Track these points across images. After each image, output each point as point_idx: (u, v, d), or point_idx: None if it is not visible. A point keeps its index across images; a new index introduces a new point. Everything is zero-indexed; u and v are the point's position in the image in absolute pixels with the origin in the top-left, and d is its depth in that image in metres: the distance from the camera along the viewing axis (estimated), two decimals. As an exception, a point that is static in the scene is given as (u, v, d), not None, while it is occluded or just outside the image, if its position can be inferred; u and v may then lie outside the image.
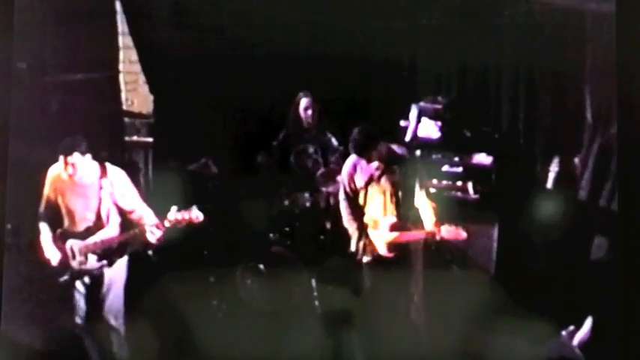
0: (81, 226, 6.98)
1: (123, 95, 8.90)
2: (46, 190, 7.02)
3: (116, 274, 7.00)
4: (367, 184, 7.27)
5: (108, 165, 7.01)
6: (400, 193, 7.20)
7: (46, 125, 7.63)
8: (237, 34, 8.27)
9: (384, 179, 7.23)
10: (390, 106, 8.31)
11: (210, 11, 8.20)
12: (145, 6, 8.56)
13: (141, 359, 7.12)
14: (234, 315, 7.54)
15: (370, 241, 7.24)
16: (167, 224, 6.95)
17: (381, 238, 7.21)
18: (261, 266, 7.66)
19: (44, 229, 6.98)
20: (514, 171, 8.18)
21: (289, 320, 7.43)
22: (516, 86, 8.32)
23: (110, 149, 7.95)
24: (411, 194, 7.20)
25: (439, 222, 7.10)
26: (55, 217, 6.99)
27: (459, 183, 7.98)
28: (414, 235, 7.15)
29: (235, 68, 8.33)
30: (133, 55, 8.80)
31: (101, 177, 6.94)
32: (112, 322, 6.98)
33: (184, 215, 6.96)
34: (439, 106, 8.30)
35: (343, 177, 7.41)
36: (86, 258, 6.94)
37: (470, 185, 8.02)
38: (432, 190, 7.58)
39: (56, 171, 6.98)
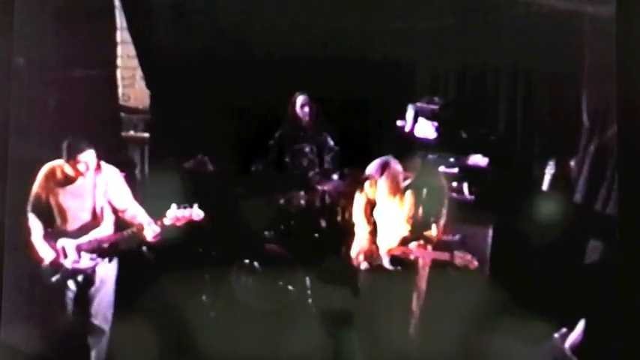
0: (74, 225, 6.81)
1: (120, 90, 8.90)
2: (36, 188, 6.81)
3: (108, 273, 6.89)
4: (391, 189, 7.00)
5: (102, 163, 6.83)
6: (420, 210, 6.93)
7: (44, 121, 7.60)
8: (235, 32, 8.29)
9: (409, 192, 6.95)
10: (386, 106, 8.32)
11: (208, 8, 8.20)
12: (144, 2, 8.57)
13: (133, 358, 7.12)
14: (229, 313, 7.52)
15: (375, 248, 7.03)
16: (167, 222, 6.80)
17: (388, 247, 6.96)
18: (256, 264, 7.66)
19: (35, 227, 6.82)
20: (510, 172, 8.18)
21: (284, 318, 7.43)
22: (513, 88, 8.33)
23: (107, 145, 7.87)
24: (431, 214, 6.93)
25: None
26: (45, 215, 6.81)
27: (455, 184, 7.97)
28: (426, 253, 6.91)
29: (233, 65, 8.35)
30: (131, 51, 8.80)
31: (96, 175, 6.78)
32: (101, 321, 6.88)
33: (184, 213, 6.81)
34: (436, 107, 8.31)
35: (371, 171, 7.04)
36: (79, 257, 6.81)
37: (465, 186, 8.01)
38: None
39: (50, 168, 6.81)
